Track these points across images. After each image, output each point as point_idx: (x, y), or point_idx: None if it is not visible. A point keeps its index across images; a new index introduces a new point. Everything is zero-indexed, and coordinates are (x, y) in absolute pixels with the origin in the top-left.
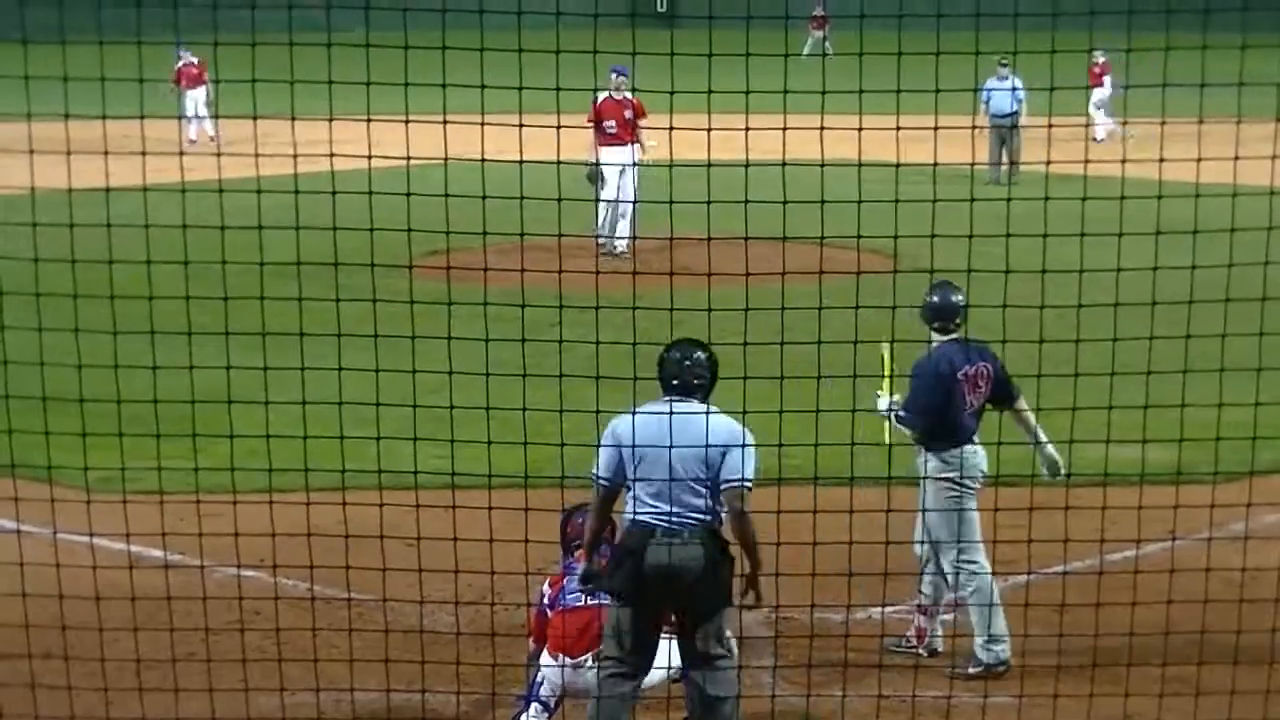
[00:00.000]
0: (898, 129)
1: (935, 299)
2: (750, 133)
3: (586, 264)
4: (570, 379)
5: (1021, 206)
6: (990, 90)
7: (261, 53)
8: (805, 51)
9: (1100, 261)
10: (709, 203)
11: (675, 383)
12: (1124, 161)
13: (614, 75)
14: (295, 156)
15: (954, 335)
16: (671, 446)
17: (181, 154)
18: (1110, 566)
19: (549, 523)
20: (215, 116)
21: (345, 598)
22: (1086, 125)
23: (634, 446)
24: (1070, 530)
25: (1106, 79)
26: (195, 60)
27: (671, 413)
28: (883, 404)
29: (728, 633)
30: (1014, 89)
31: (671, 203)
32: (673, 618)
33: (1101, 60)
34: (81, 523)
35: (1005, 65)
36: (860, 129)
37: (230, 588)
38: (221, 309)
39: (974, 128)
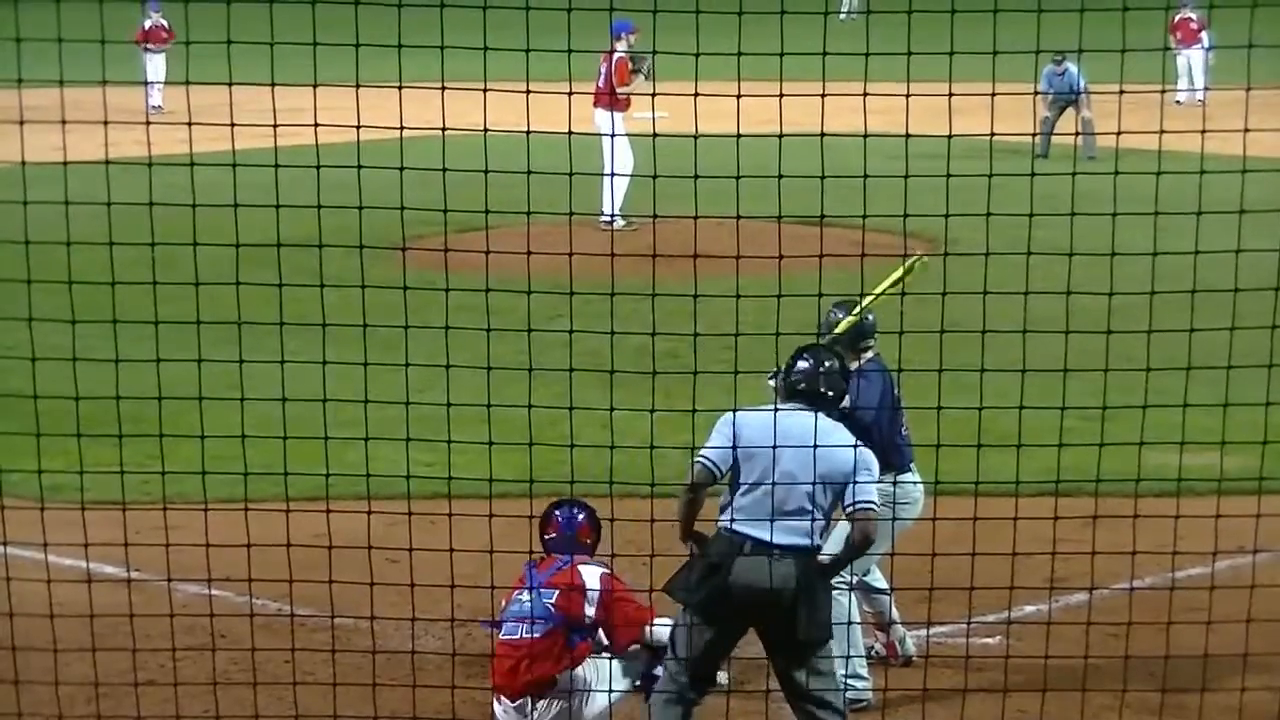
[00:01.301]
0: (950, 95)
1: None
2: (756, 103)
3: (594, 247)
4: (568, 378)
5: (1085, 183)
6: (1050, 81)
7: (235, 11)
8: (843, 11)
9: (1174, 244)
10: (738, 177)
11: (802, 388)
12: (1203, 132)
13: (630, 34)
14: (275, 126)
15: (874, 354)
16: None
17: (149, 124)
18: (1182, 583)
19: None
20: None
21: (327, 616)
22: (1163, 90)
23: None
24: (1138, 543)
25: (1205, 35)
26: (166, 23)
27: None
28: None
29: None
30: (1073, 85)
31: (696, 178)
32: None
33: (1196, 16)
34: (34, 533)
35: (1060, 61)
36: (908, 96)
37: (198, 605)
38: (185, 296)
39: (1035, 93)
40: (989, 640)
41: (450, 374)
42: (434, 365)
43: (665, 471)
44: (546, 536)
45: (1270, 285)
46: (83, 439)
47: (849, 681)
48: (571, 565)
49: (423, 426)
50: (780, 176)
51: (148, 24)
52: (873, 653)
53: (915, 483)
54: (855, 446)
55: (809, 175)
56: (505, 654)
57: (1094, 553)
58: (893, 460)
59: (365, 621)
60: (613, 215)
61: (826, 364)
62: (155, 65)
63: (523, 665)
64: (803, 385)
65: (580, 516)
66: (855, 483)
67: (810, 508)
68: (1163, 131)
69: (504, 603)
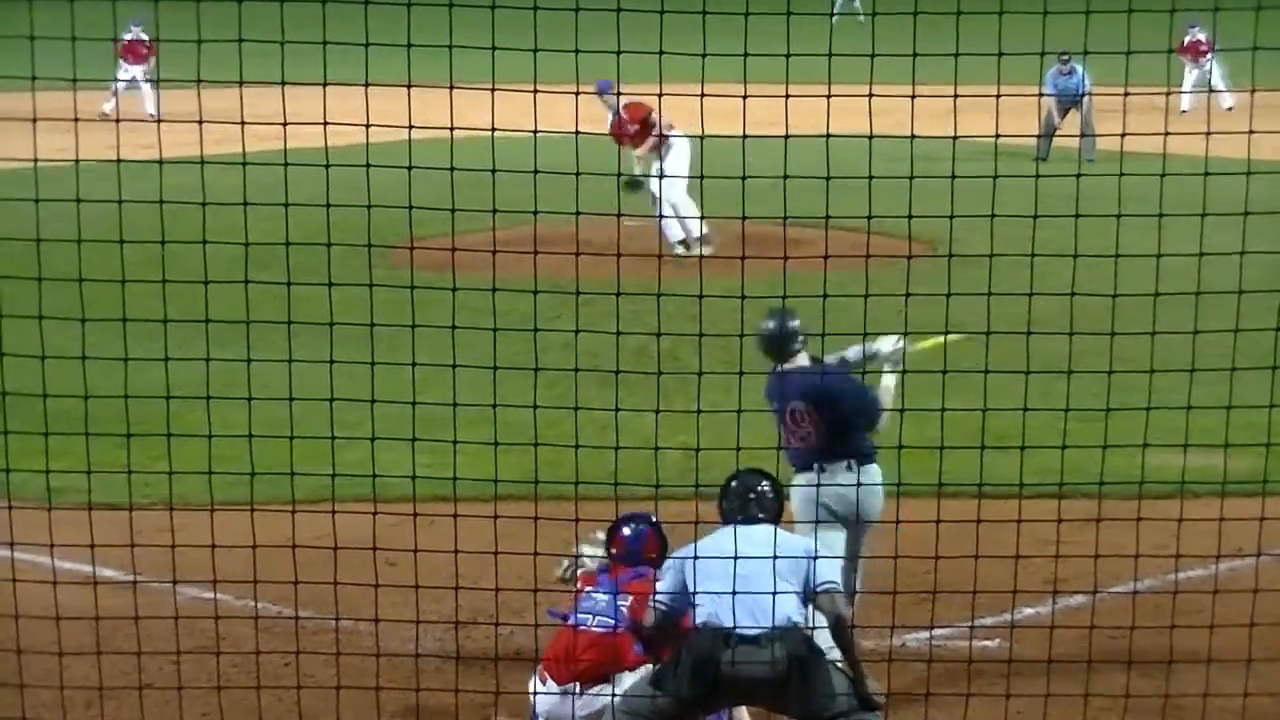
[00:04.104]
0: (955, 97)
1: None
2: (753, 103)
3: (595, 247)
4: (568, 378)
5: (1083, 185)
6: (1054, 82)
7: (231, 11)
8: (835, 10)
9: (1173, 247)
10: (744, 177)
11: (739, 514)
12: (1208, 134)
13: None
14: (285, 124)
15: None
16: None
17: (159, 121)
18: (1184, 585)
19: (556, 534)
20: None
21: (329, 619)
22: (1167, 93)
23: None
24: (1140, 545)
25: (1212, 55)
26: (146, 38)
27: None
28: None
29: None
30: (1079, 87)
31: (702, 177)
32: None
33: (1204, 38)
34: (39, 535)
35: (1067, 60)
36: (914, 97)
37: (199, 608)
38: (187, 297)
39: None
40: (989, 643)
41: (449, 375)
42: (438, 364)
43: (667, 473)
44: (612, 551)
45: (1272, 287)
46: (86, 440)
47: None
48: (650, 578)
49: (422, 427)
50: (785, 177)
51: (128, 37)
52: None
53: (880, 474)
54: (806, 544)
55: (813, 176)
56: (568, 639)
57: (1097, 556)
58: (864, 448)
59: (366, 623)
60: (699, 236)
61: (758, 487)
62: (130, 74)
63: (584, 651)
64: (740, 512)
65: (645, 532)
66: (807, 568)
67: (787, 592)
68: (1166, 134)
69: (574, 601)
